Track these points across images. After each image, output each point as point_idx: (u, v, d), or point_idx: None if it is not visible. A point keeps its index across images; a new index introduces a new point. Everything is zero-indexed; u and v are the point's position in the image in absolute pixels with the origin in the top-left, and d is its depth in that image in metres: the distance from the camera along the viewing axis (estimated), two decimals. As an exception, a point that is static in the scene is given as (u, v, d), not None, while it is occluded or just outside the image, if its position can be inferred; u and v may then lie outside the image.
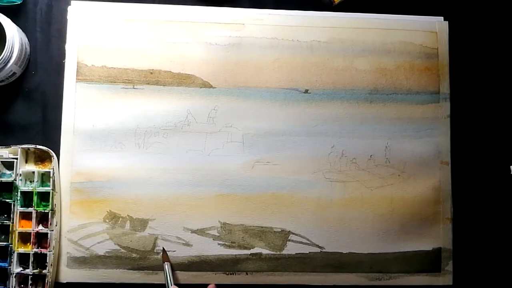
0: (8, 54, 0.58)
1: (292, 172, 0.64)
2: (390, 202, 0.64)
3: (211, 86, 0.64)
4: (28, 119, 0.63)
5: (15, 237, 0.59)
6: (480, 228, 0.66)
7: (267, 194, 0.63)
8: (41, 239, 0.60)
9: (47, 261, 0.59)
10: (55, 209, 0.60)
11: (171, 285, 0.59)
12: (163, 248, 0.62)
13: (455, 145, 0.66)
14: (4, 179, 0.60)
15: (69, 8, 0.64)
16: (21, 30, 0.62)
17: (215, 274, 0.62)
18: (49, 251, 0.60)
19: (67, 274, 0.61)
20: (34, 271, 0.59)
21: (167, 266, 0.60)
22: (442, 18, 0.67)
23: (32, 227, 0.60)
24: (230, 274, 0.63)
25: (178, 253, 0.62)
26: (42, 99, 0.63)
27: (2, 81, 0.62)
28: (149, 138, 0.63)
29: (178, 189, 0.62)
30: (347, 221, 0.64)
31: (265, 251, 0.63)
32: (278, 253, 0.63)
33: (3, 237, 0.60)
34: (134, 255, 0.62)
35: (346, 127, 0.65)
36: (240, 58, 0.64)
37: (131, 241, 0.62)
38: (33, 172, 0.60)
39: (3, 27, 0.58)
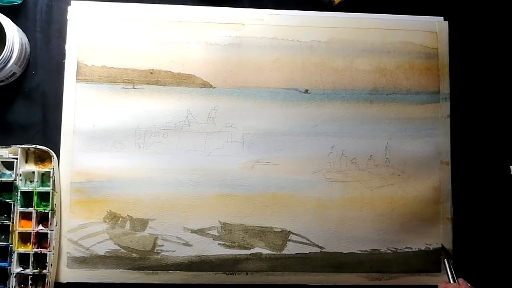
0: (8, 54, 0.58)
1: (292, 172, 0.64)
2: (390, 202, 0.64)
3: (211, 86, 0.64)
4: (28, 119, 0.63)
5: (15, 237, 0.59)
6: (480, 228, 0.66)
7: (267, 194, 0.63)
8: (41, 239, 0.60)
9: (47, 261, 0.59)
10: (55, 209, 0.60)
11: (455, 281, 0.60)
12: (442, 245, 0.64)
13: (455, 145, 0.66)
14: (4, 179, 0.60)
15: (69, 8, 0.64)
16: (21, 30, 0.62)
17: (215, 274, 0.62)
18: (49, 251, 0.60)
19: (67, 274, 0.61)
20: (34, 271, 0.59)
21: (447, 263, 0.62)
22: (442, 18, 0.67)
23: (32, 227, 0.60)
24: (230, 274, 0.63)
25: (178, 253, 0.62)
26: (42, 99, 0.63)
27: (2, 81, 0.62)
28: (149, 138, 0.63)
29: (178, 189, 0.62)
30: (347, 221, 0.64)
31: (265, 251, 0.63)
32: (278, 253, 0.63)
33: (3, 237, 0.60)
34: (134, 255, 0.62)
35: (346, 127, 0.65)
36: (240, 58, 0.64)
37: (131, 241, 0.62)
38: (33, 172, 0.60)
39: (3, 27, 0.58)
